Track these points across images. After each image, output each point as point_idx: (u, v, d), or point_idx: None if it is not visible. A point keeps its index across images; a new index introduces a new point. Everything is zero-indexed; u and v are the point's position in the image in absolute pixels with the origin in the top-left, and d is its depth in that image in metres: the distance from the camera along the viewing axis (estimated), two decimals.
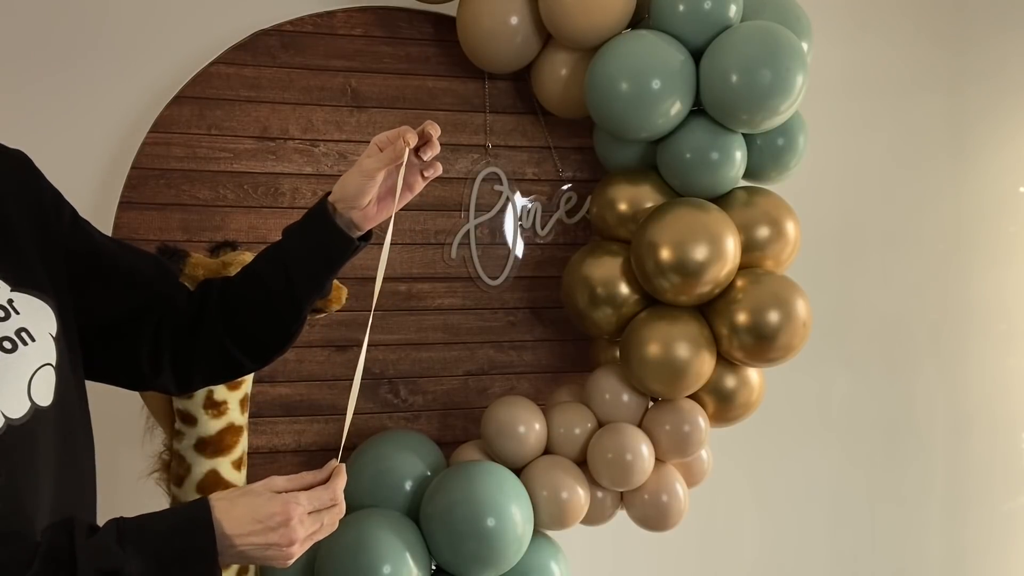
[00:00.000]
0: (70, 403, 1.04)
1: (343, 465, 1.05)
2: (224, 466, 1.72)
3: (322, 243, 1.17)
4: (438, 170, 1.20)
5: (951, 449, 2.79)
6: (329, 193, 1.18)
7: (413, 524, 1.94)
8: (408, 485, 1.98)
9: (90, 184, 2.03)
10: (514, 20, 2.01)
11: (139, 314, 1.17)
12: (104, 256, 1.15)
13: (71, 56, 2.03)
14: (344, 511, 1.04)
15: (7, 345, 0.96)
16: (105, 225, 1.96)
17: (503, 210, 2.21)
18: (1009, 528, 2.86)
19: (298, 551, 1.00)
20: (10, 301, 0.99)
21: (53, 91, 2.01)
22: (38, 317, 1.01)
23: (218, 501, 0.98)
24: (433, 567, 1.96)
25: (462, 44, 2.09)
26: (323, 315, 1.71)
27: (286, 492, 1.00)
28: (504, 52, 2.05)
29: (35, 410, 0.97)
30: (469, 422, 2.20)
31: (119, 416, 1.64)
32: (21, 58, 2.00)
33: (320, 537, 1.03)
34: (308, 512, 0.99)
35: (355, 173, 1.16)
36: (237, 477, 1.74)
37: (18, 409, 0.95)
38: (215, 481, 1.71)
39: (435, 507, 1.91)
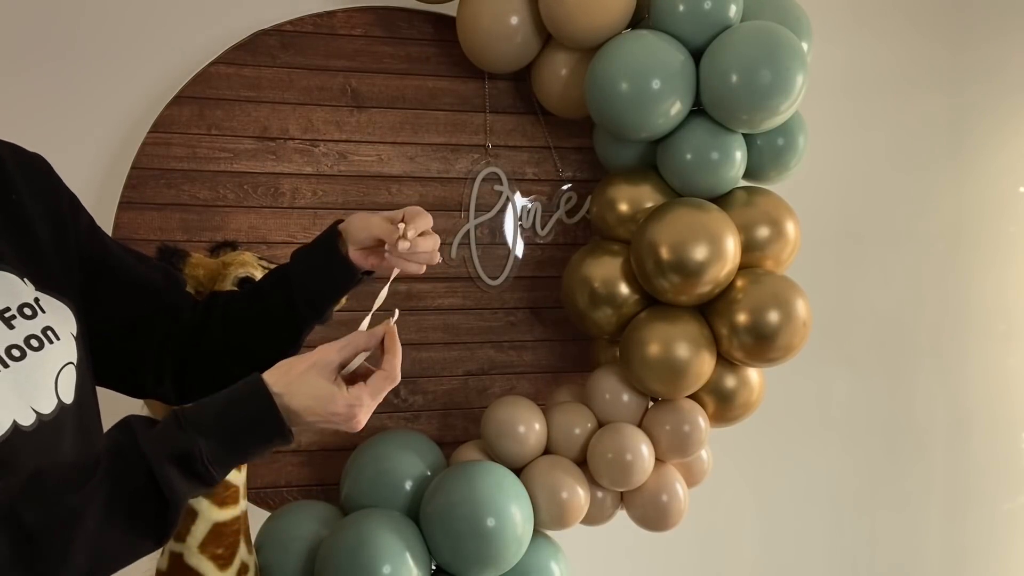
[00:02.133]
0: (88, 402, 1.06)
1: (394, 332, 1.04)
2: None
3: (326, 268, 1.18)
4: (424, 263, 1.17)
5: (951, 449, 2.79)
6: (340, 221, 1.19)
7: (413, 524, 1.94)
8: (408, 485, 1.98)
9: (90, 184, 2.03)
10: (514, 20, 2.01)
11: (146, 324, 1.18)
12: (117, 265, 1.17)
13: (71, 56, 2.03)
14: (399, 378, 1.04)
15: (34, 343, 0.97)
16: (105, 225, 1.95)
17: (503, 210, 2.21)
18: (1009, 528, 2.86)
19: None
20: (36, 300, 1.00)
21: (53, 91, 2.01)
22: (61, 317, 1.03)
23: (275, 377, 0.98)
24: (433, 567, 1.96)
25: (462, 44, 2.09)
26: None
27: (349, 390, 1.00)
28: (504, 52, 2.05)
29: (61, 407, 0.98)
30: (469, 422, 2.20)
31: (120, 414, 1.64)
32: (21, 58, 2.00)
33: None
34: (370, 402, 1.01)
35: (365, 224, 1.15)
36: (237, 477, 1.73)
37: (47, 405, 0.97)
38: None
39: (435, 507, 1.91)
